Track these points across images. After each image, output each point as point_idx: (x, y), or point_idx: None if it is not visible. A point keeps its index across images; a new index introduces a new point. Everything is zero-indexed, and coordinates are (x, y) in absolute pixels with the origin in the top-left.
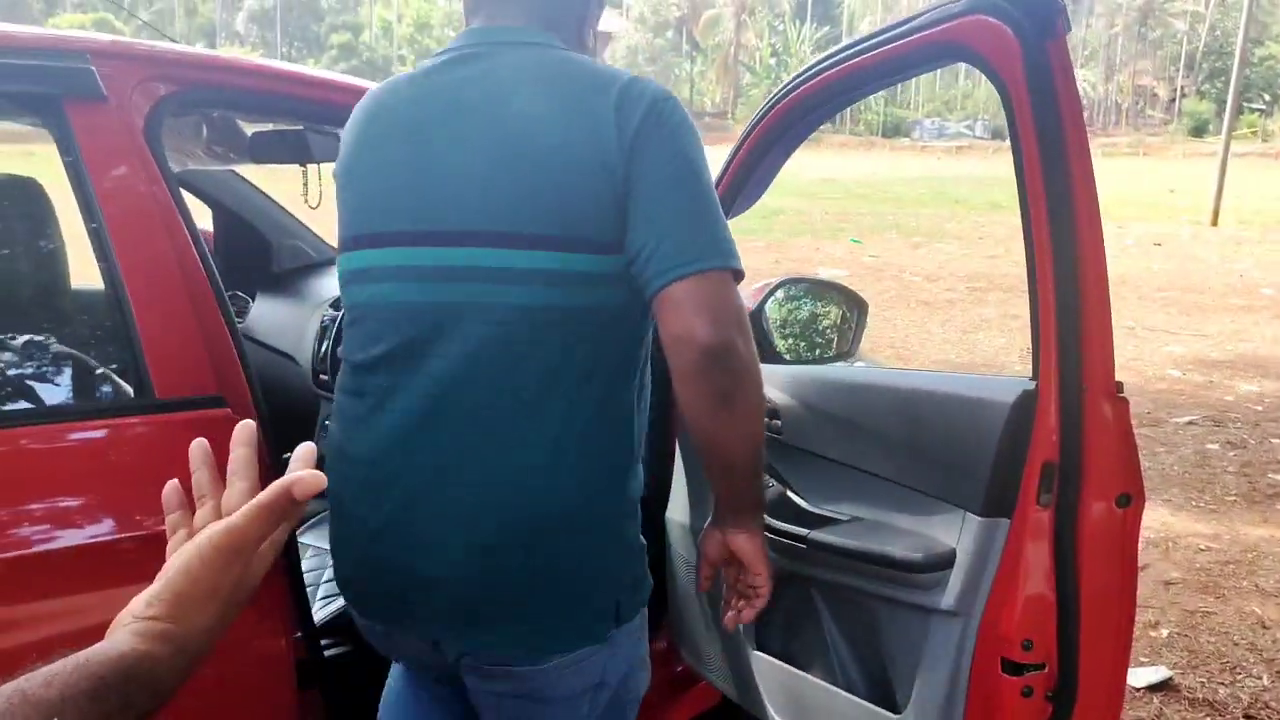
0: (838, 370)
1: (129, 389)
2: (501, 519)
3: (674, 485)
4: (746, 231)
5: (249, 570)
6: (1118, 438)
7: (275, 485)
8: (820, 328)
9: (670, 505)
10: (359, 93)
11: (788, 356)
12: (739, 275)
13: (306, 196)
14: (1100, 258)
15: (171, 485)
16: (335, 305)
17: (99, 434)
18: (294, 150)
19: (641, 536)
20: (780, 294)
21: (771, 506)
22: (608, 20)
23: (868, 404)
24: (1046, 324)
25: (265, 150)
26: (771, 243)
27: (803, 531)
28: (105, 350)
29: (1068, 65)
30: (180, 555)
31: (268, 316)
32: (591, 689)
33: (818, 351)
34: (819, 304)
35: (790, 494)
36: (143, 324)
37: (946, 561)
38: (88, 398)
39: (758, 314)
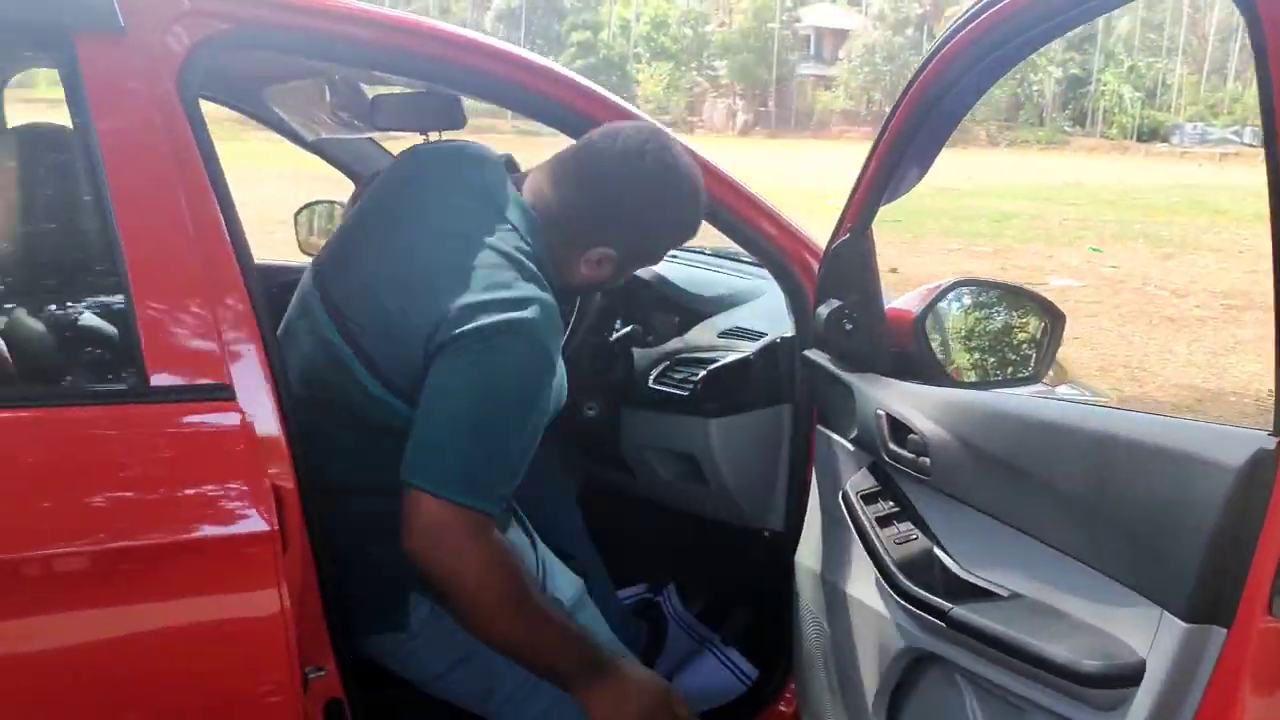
0: (1007, 400)
1: (119, 374)
2: None
3: (807, 522)
4: (973, 235)
5: None
6: None
7: None
8: (1000, 343)
9: (801, 546)
10: (448, 42)
11: (955, 376)
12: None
13: None
14: None
15: None
16: None
17: (71, 422)
18: (417, 116)
19: None
20: (951, 299)
21: (913, 564)
22: (844, 17)
23: (1043, 447)
24: None
25: (387, 116)
26: (1000, 248)
27: (944, 605)
28: (96, 328)
29: None
30: None
31: None
32: None
33: (994, 372)
34: (1001, 314)
35: (938, 551)
36: (140, 302)
37: (1131, 677)
38: (68, 381)
39: (920, 321)
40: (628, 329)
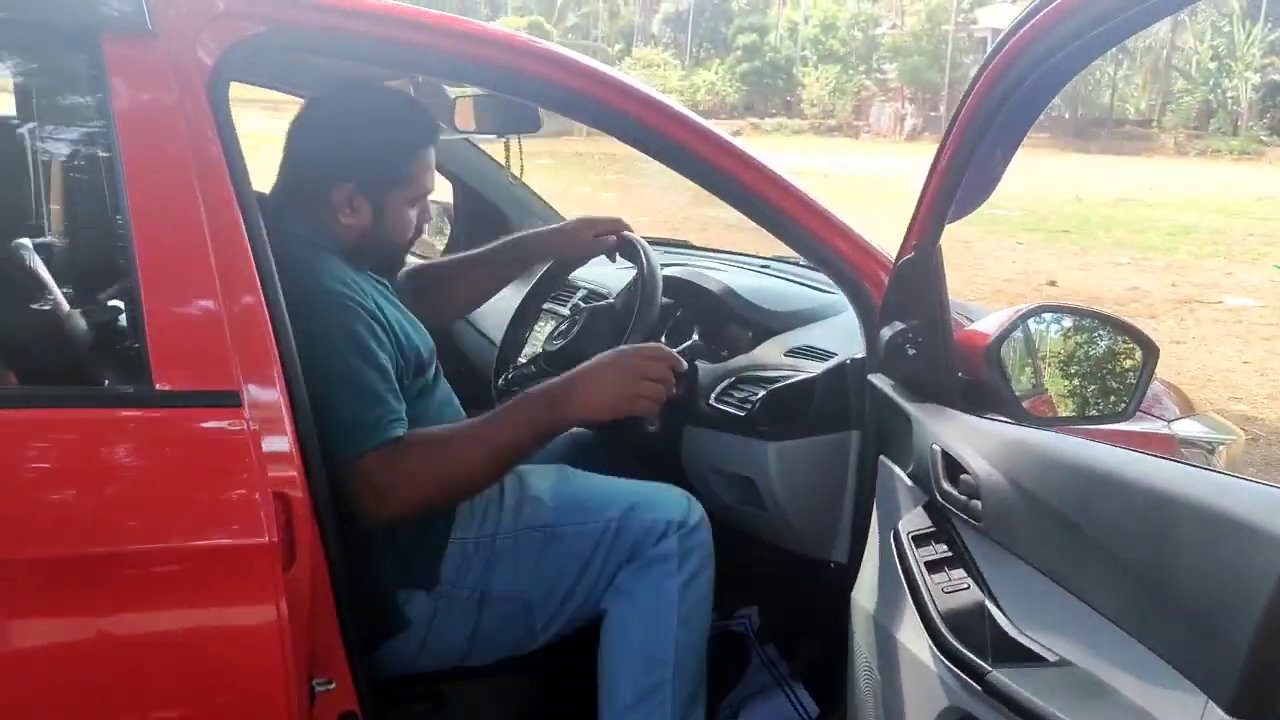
0: (1064, 443)
1: (125, 377)
2: None
3: (865, 558)
4: (1146, 248)
5: None
6: None
7: None
8: (1085, 376)
9: (858, 583)
10: (503, 46)
11: (1031, 410)
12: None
13: (509, 169)
14: None
15: None
16: (557, 292)
17: (71, 425)
18: (494, 120)
19: None
20: (1031, 325)
21: (960, 616)
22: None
23: (1100, 501)
24: None
25: (465, 119)
26: (1173, 262)
27: (983, 668)
28: (105, 331)
29: None
30: None
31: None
32: None
33: (1077, 408)
34: (1087, 344)
35: (989, 604)
36: (150, 307)
37: None
38: (68, 381)
39: (993, 348)
40: (689, 342)
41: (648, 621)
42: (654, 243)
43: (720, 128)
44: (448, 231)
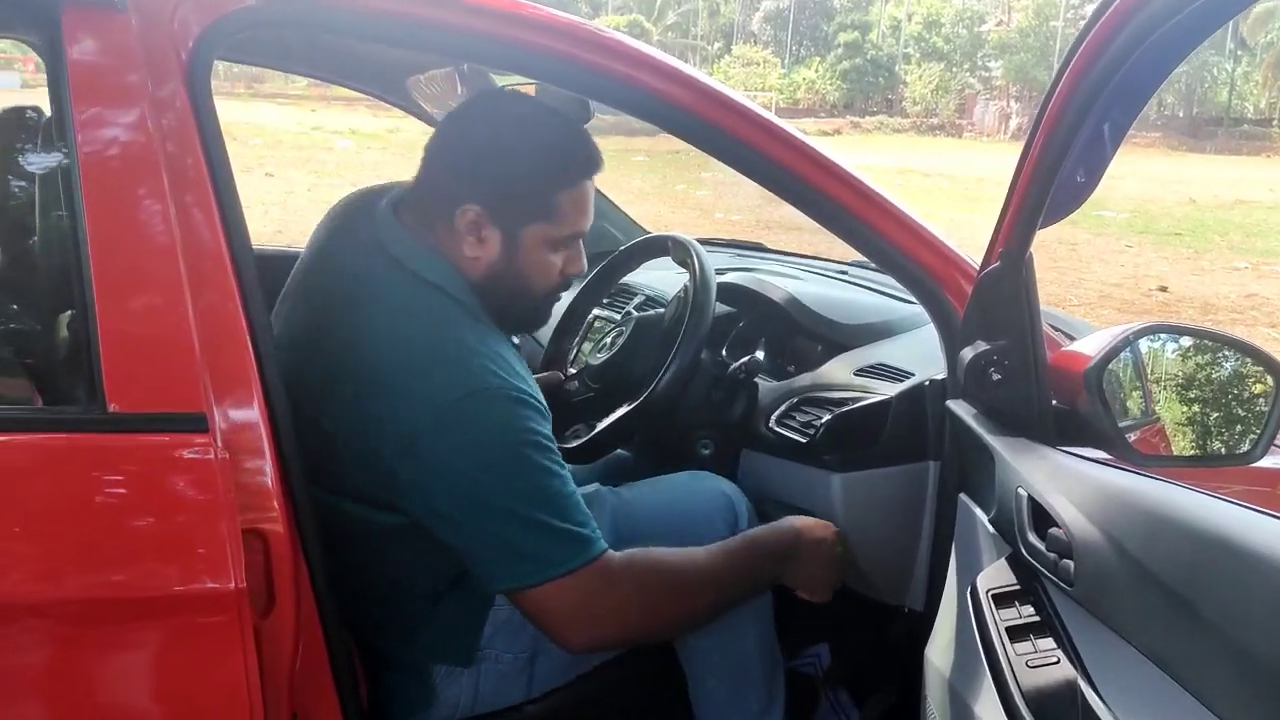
0: (1177, 496)
1: (72, 397)
2: None
3: (941, 610)
4: (1266, 253)
5: None
6: None
7: None
8: (1204, 408)
9: (932, 639)
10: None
11: (1137, 448)
12: None
13: None
14: None
15: None
16: (611, 298)
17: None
18: None
19: None
20: (1139, 347)
21: (1046, 697)
22: None
23: (1218, 574)
24: None
25: None
26: None
27: None
28: (52, 344)
29: None
30: None
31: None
32: None
33: (1193, 446)
34: (1207, 371)
35: (1084, 687)
36: (104, 318)
37: None
38: (11, 403)
39: (1093, 374)
40: (746, 358)
41: (729, 630)
42: (729, 245)
43: (820, 126)
44: None
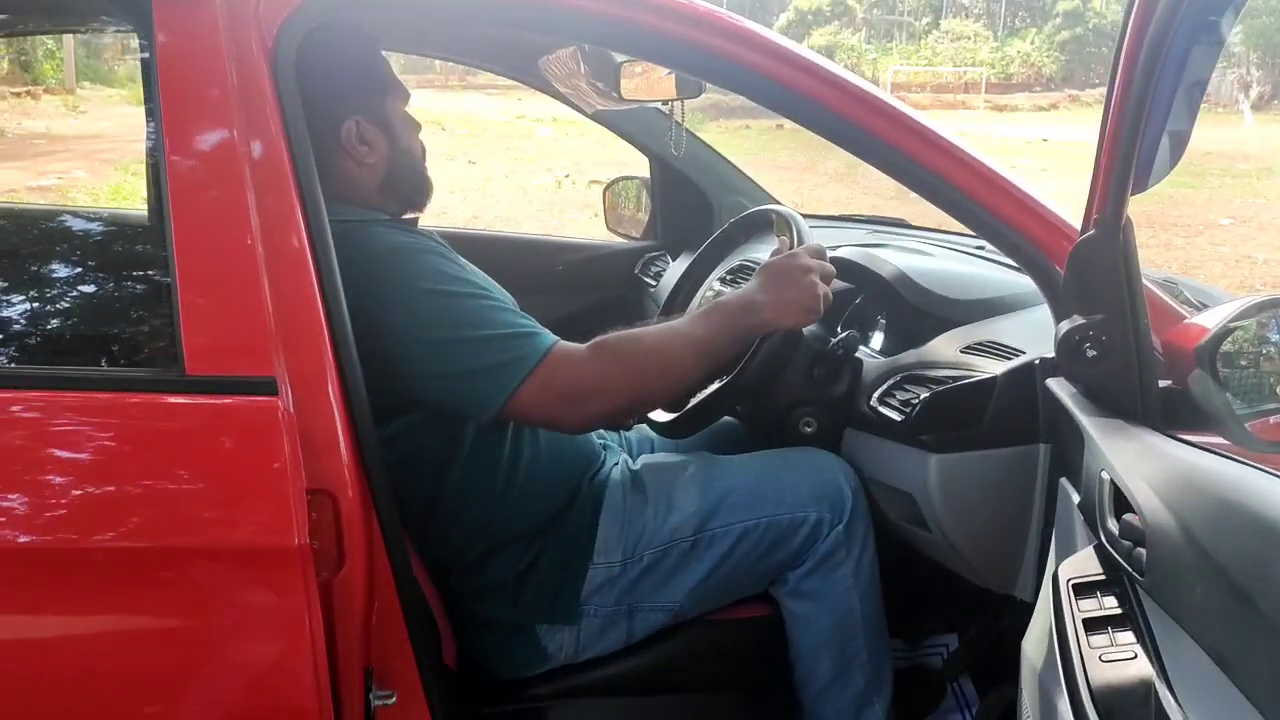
0: (1249, 479)
1: (154, 361)
2: None
3: (1037, 608)
4: None
5: None
6: None
7: None
8: None
9: (1029, 634)
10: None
11: (1257, 433)
12: None
13: (671, 143)
14: None
15: None
16: (735, 275)
17: (95, 409)
18: (660, 87)
19: None
20: (1255, 324)
21: (1117, 696)
22: None
23: None
24: None
25: (631, 86)
26: None
27: None
28: (133, 311)
29: None
30: None
31: (671, 279)
32: None
33: None
34: None
35: (1159, 686)
36: (185, 288)
37: None
38: (91, 363)
39: (1207, 350)
40: (844, 334)
41: (833, 612)
42: (870, 221)
43: (1034, 101)
44: (647, 208)
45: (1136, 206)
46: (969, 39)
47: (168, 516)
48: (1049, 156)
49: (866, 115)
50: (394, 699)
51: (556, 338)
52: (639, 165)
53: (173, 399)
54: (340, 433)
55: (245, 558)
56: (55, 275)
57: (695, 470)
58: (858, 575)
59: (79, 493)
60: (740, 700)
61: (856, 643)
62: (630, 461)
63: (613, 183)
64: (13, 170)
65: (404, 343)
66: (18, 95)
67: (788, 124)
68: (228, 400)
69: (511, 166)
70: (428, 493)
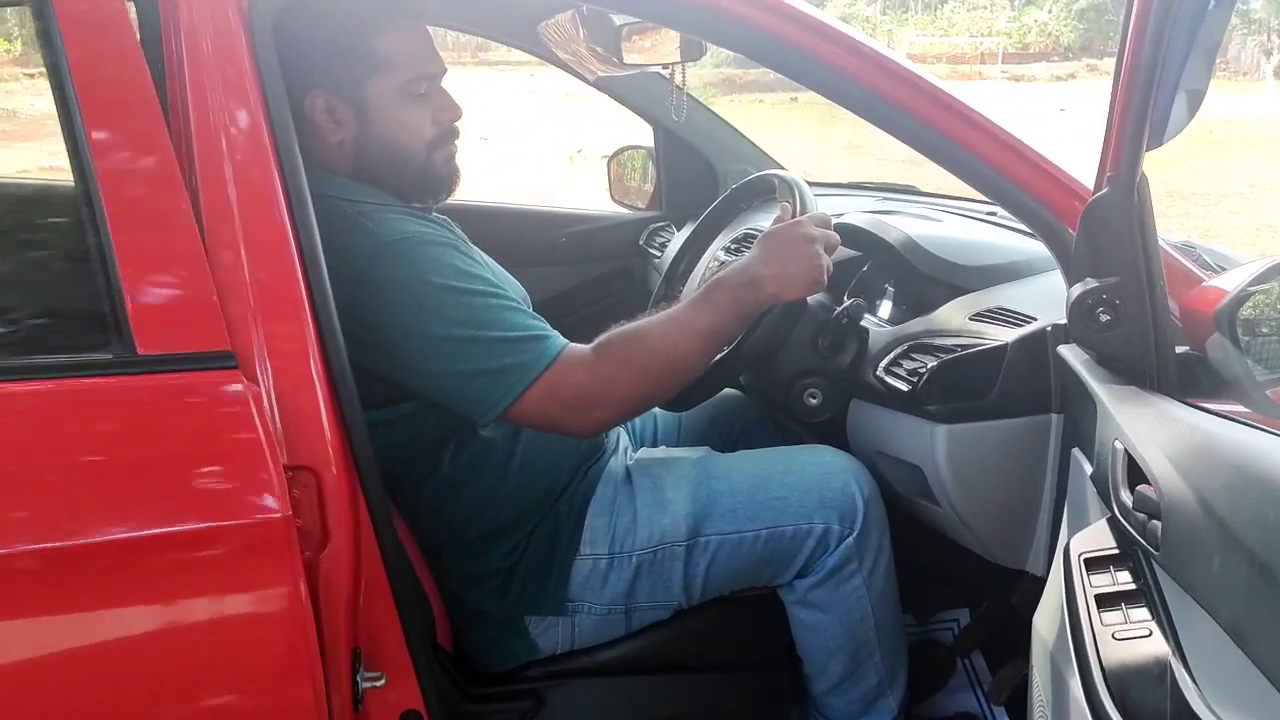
0: (1268, 446)
1: (103, 340)
2: None
3: (1049, 583)
4: None
5: None
6: None
7: None
8: None
9: (1040, 609)
10: None
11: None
12: None
13: (673, 108)
14: None
15: None
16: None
17: (42, 397)
18: (662, 50)
19: None
20: (1276, 286)
21: (1130, 674)
22: None
23: None
24: None
25: (633, 50)
26: None
27: None
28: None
29: None
30: None
31: (674, 249)
32: None
33: None
34: None
35: (1175, 665)
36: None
37: None
38: (35, 347)
39: (1226, 313)
40: (848, 302)
41: (845, 621)
42: (880, 189)
43: (1052, 71)
44: (652, 178)
45: (1154, 175)
46: (985, 8)
47: (139, 503)
48: (1066, 126)
49: (866, 70)
50: (383, 680)
51: (566, 341)
52: (649, 139)
53: (128, 380)
54: (323, 407)
55: (227, 536)
56: None
57: (690, 469)
58: (871, 584)
59: (42, 491)
60: (742, 679)
61: (870, 645)
62: (630, 453)
63: (617, 153)
64: (27, 150)
65: (408, 337)
66: (31, 77)
67: (802, 98)
68: (186, 378)
69: (523, 143)
70: (423, 474)
